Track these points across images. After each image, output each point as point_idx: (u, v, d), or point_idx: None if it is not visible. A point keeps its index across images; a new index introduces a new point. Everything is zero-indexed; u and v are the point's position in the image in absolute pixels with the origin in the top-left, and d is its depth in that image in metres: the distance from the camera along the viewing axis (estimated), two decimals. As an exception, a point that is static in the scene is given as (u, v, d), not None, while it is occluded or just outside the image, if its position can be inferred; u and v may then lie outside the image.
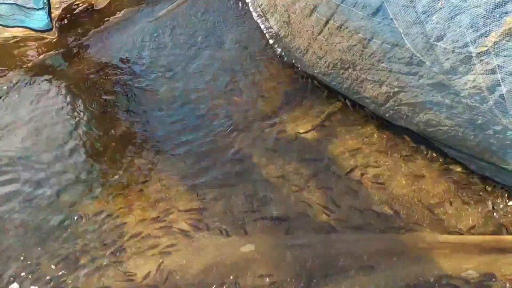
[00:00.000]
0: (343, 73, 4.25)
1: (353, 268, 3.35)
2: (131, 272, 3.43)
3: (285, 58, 4.79)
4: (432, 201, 3.69)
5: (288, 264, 3.39)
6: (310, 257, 3.41)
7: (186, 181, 3.94)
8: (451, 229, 3.53)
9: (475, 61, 3.49)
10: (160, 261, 3.47)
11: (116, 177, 3.98)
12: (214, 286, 3.31)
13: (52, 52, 5.07)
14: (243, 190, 3.84)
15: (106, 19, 5.34)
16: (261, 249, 3.47)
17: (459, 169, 3.87)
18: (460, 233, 3.51)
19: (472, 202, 3.66)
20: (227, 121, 4.33)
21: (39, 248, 3.61)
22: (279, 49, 4.86)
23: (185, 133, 4.27)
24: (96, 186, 3.93)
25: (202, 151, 4.14)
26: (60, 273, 3.48)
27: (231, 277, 3.34)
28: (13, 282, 3.44)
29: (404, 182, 3.82)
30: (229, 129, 4.26)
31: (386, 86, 3.96)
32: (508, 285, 3.21)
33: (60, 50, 5.08)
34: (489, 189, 3.71)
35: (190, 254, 3.49)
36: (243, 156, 4.08)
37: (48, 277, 3.46)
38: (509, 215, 3.57)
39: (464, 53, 3.53)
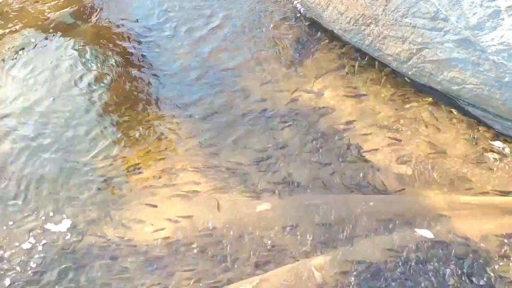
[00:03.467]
0: (364, 29, 4.10)
1: (371, 230, 3.34)
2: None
3: (306, 14, 4.63)
4: (453, 162, 3.62)
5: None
6: (328, 215, 3.41)
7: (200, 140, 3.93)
8: (473, 190, 3.47)
9: (504, 16, 3.34)
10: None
11: (131, 132, 4.00)
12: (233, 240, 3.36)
13: (67, 9, 4.99)
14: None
15: (121, -26, 5.21)
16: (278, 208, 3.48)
17: (482, 129, 3.77)
18: (482, 194, 3.45)
19: (495, 163, 3.58)
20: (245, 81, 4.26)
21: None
22: (299, 5, 4.69)
23: (204, 91, 4.23)
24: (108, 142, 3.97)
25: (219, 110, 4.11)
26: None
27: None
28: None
29: (425, 143, 3.74)
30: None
31: (410, 42, 3.82)
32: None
33: (75, 7, 4.99)
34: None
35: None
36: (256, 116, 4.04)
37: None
38: (533, 176, 3.49)
39: (492, 7, 3.37)
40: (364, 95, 4.03)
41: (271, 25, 4.62)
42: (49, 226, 3.50)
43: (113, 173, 3.77)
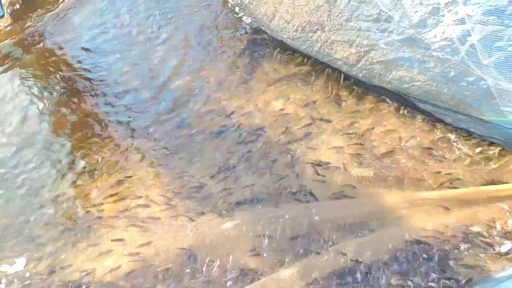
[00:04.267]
0: (312, 36, 4.12)
1: (334, 237, 3.32)
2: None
3: (253, 26, 4.61)
4: (410, 159, 3.66)
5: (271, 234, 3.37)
6: (293, 227, 3.38)
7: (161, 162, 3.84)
8: (431, 185, 3.52)
9: (444, 12, 3.40)
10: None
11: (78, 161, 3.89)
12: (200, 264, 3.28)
13: (6, 41, 4.81)
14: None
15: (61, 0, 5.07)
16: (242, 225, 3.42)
17: (434, 124, 3.83)
18: (440, 187, 3.50)
19: (450, 156, 3.64)
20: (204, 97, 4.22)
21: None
22: (246, 17, 4.67)
23: (160, 112, 4.15)
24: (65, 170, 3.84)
25: (175, 129, 4.03)
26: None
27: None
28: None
29: (381, 143, 3.78)
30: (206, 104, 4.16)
31: (357, 45, 3.85)
32: (488, 235, 3.23)
33: (16, 38, 4.82)
34: (467, 142, 3.69)
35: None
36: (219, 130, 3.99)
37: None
38: (487, 166, 3.56)
39: (432, 4, 3.43)
40: (315, 101, 4.04)
41: (220, 39, 4.59)
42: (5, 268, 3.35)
43: (71, 207, 3.64)
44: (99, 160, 3.88)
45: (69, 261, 3.39)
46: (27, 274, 3.35)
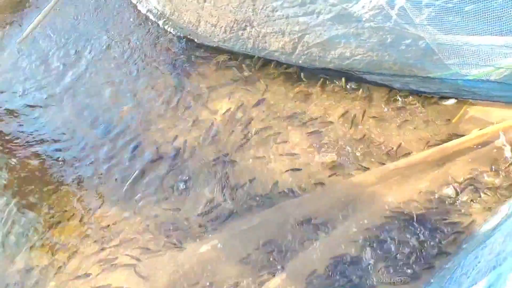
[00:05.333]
0: (242, 34, 3.98)
1: (311, 233, 3.23)
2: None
3: (180, 35, 4.41)
4: (371, 134, 3.60)
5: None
6: (268, 232, 3.26)
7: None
8: (397, 155, 3.47)
9: (366, -20, 3.34)
10: None
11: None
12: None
13: None
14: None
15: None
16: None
17: (385, 92, 3.79)
18: (406, 154, 3.45)
19: (408, 120, 3.60)
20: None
21: None
22: (171, 28, 4.47)
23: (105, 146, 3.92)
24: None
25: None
26: None
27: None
28: None
29: (339, 126, 3.70)
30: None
31: (289, 33, 3.75)
32: (461, 190, 3.21)
33: None
34: (420, 102, 3.67)
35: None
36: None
37: None
38: (444, 121, 3.54)
39: (351, -25, 3.36)
40: (264, 99, 3.91)
41: (148, 54, 4.37)
42: None
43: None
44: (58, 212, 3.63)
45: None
46: None
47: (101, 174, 3.77)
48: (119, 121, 4.02)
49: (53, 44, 4.65)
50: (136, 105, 4.08)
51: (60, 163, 3.88)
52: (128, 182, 3.67)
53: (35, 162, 3.94)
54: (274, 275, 3.06)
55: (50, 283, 3.31)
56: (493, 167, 3.25)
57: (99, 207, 3.60)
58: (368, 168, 3.45)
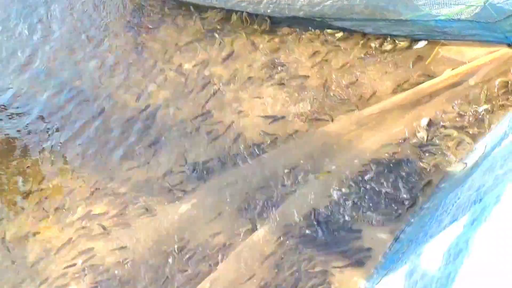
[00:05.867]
0: (206, -16, 3.79)
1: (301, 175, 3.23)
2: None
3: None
4: (344, 81, 3.56)
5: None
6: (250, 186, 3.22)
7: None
8: (371, 101, 3.44)
9: None
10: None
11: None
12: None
13: None
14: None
15: None
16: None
17: (357, 38, 3.72)
18: (381, 99, 3.43)
19: (382, 64, 3.57)
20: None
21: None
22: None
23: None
24: None
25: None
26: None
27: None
28: None
29: (313, 73, 3.63)
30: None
31: (256, -19, 3.59)
32: (438, 127, 3.23)
33: None
34: (393, 46, 3.62)
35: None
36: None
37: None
38: (417, 64, 3.52)
39: None
40: (232, 52, 3.79)
41: (109, 12, 4.14)
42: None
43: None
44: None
45: None
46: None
47: (65, 139, 3.64)
48: (83, 84, 3.84)
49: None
50: (100, 66, 3.89)
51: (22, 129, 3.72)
52: (96, 146, 3.57)
53: None
54: (256, 227, 3.05)
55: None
56: (467, 106, 3.28)
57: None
58: (343, 116, 3.42)
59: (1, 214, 3.45)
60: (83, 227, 3.29)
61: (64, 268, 3.18)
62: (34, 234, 3.32)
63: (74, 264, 3.19)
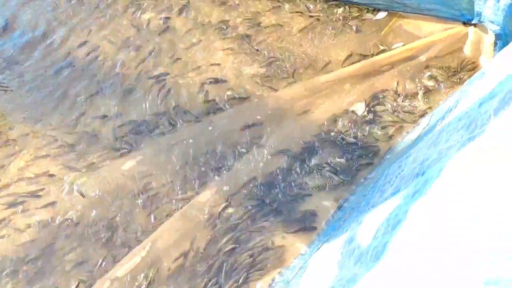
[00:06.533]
0: None
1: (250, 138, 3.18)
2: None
3: None
4: (301, 46, 3.51)
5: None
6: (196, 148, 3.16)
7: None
8: (328, 67, 3.42)
9: None
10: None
11: None
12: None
13: None
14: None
15: None
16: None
17: (313, 4, 3.66)
18: (337, 68, 3.42)
19: (338, 34, 3.53)
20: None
21: None
22: None
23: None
24: None
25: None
26: None
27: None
28: None
29: (271, 34, 3.55)
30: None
31: None
32: (388, 99, 3.26)
33: None
34: (352, 14, 3.58)
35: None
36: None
37: None
38: (374, 34, 3.51)
39: None
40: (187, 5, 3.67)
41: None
42: None
43: None
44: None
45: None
46: None
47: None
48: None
49: None
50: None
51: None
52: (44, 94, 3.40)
53: None
54: (205, 187, 3.01)
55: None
56: (416, 81, 3.31)
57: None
58: (297, 81, 3.38)
59: None
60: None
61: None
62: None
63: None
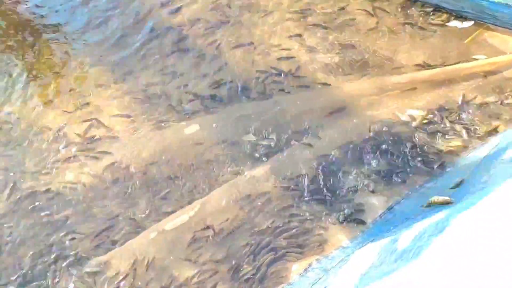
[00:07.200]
0: None
1: (313, 125, 3.21)
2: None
3: None
4: (381, 43, 3.47)
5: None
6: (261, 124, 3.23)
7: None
8: (402, 68, 3.36)
9: None
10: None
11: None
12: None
13: None
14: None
15: None
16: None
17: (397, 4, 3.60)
18: (411, 71, 3.35)
19: (420, 38, 3.46)
20: None
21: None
22: None
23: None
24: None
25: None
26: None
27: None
28: None
29: (350, 28, 3.54)
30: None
31: None
32: (461, 111, 3.18)
33: None
34: (438, 18, 3.50)
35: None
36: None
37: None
38: (457, 43, 3.41)
39: None
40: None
41: None
42: None
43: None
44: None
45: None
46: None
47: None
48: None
49: None
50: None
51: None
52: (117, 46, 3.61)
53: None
54: (258, 165, 3.08)
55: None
56: (495, 97, 3.19)
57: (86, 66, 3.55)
58: (367, 78, 3.36)
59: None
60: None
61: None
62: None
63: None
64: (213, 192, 3.00)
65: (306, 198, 2.96)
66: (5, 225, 2.96)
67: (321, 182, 3.01)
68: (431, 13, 3.53)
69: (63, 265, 2.84)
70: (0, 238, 2.93)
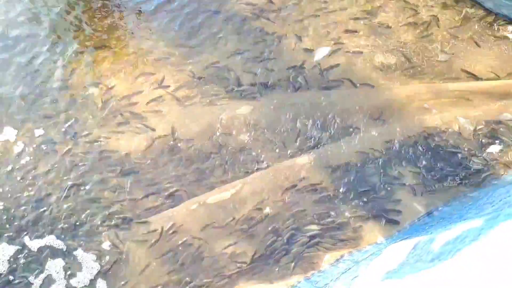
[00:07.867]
0: None
1: (361, 122, 3.23)
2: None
3: None
4: (437, 49, 3.43)
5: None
6: (310, 113, 3.27)
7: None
8: (462, 76, 3.31)
9: None
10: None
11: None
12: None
13: None
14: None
15: None
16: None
17: (471, 10, 3.53)
18: (470, 79, 3.30)
19: (486, 47, 3.40)
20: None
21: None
22: None
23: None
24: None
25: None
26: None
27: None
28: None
29: (411, 30, 3.52)
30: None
31: None
32: (505, 132, 3.12)
33: None
34: (507, 28, 3.42)
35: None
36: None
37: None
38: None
39: None
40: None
41: None
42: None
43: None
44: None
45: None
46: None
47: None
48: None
49: None
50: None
51: None
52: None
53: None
54: (303, 153, 3.13)
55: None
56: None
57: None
58: (422, 82, 3.33)
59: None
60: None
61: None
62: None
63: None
64: (256, 173, 3.07)
65: (347, 192, 2.99)
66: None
67: (364, 179, 3.03)
68: (495, 24, 3.46)
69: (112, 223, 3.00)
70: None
